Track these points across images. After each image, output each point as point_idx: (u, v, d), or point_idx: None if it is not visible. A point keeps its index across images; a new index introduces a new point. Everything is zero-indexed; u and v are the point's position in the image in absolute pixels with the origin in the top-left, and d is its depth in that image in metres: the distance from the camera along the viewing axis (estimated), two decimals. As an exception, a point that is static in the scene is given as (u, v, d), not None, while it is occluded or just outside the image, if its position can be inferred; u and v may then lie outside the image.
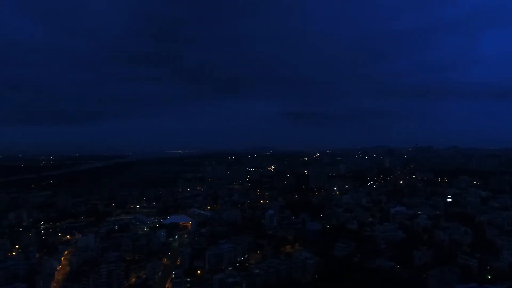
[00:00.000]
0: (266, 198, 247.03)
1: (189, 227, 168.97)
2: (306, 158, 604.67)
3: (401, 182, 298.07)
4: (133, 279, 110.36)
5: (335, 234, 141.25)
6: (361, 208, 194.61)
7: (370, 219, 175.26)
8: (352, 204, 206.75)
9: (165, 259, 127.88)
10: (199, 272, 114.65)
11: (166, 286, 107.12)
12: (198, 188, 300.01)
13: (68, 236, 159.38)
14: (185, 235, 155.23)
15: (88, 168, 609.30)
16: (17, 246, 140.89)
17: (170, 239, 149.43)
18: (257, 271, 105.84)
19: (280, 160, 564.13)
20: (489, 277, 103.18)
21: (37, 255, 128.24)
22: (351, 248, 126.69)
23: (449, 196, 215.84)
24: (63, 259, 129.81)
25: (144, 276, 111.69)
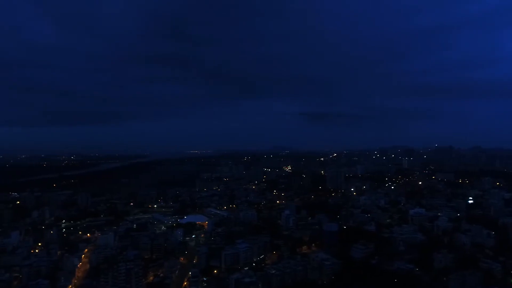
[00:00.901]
0: (282, 198, 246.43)
1: (206, 226, 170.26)
2: (322, 159, 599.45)
3: (420, 183, 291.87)
4: (151, 278, 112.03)
5: (353, 235, 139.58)
6: (379, 209, 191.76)
7: (388, 221, 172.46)
8: (369, 205, 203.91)
9: (182, 258, 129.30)
10: (215, 271, 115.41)
11: (183, 285, 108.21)
12: (214, 188, 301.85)
13: (88, 234, 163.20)
14: (202, 235, 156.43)
15: (107, 168, 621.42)
16: (40, 244, 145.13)
17: (187, 238, 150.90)
18: (274, 272, 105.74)
19: (296, 160, 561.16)
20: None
21: (59, 252, 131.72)
22: (369, 250, 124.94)
23: (471, 198, 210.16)
24: (84, 256, 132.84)
25: (161, 275, 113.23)
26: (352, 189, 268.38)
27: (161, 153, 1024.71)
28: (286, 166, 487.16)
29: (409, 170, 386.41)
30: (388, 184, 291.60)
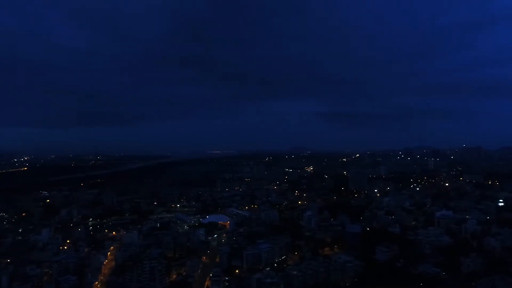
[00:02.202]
0: (304, 199, 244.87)
1: (228, 226, 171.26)
2: (345, 159, 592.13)
3: (447, 184, 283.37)
4: (174, 276, 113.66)
5: (376, 237, 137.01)
6: (404, 211, 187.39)
7: (413, 223, 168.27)
8: (393, 206, 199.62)
9: (204, 258, 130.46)
10: (237, 271, 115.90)
11: (206, 284, 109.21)
12: (236, 188, 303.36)
13: (113, 232, 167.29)
14: (224, 234, 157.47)
15: (132, 167, 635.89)
16: (68, 241, 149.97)
17: (209, 238, 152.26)
18: (295, 272, 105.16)
19: (318, 161, 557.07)
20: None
21: (86, 249, 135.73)
22: (393, 252, 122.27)
23: (501, 200, 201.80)
24: (109, 254, 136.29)
25: (184, 273, 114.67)
26: (376, 190, 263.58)
27: (183, 154, 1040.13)
28: (308, 167, 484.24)
29: (435, 171, 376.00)
30: (413, 186, 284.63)
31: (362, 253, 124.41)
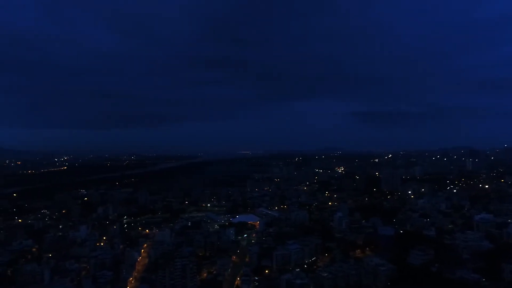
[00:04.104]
0: (334, 200, 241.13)
1: (257, 226, 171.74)
2: (377, 160, 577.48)
3: (487, 186, 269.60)
4: (205, 274, 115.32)
5: (410, 240, 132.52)
6: (440, 214, 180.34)
7: (450, 226, 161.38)
8: (429, 209, 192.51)
9: (234, 257, 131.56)
10: (266, 271, 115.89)
11: (236, 283, 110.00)
12: (265, 188, 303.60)
13: (147, 230, 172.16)
14: (253, 234, 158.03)
15: (164, 167, 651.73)
16: (104, 237, 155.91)
17: (239, 237, 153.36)
18: (326, 274, 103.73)
19: (349, 161, 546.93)
20: None
21: (121, 246, 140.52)
22: (429, 256, 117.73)
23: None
24: (143, 251, 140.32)
25: (214, 272, 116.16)
26: (409, 192, 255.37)
27: (213, 154, 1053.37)
28: (338, 167, 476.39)
29: (474, 172, 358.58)
30: (450, 187, 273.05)
31: (395, 256, 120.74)
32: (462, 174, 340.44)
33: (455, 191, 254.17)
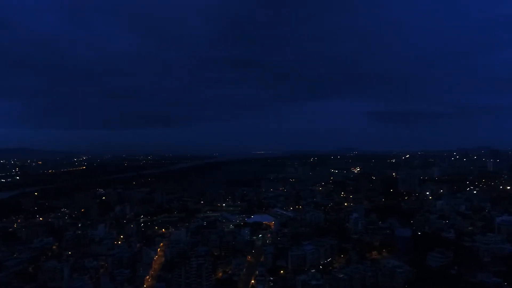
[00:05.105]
0: (350, 201, 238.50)
1: (272, 226, 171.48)
2: (394, 160, 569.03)
3: (508, 187, 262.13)
4: (220, 274, 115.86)
5: (428, 242, 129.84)
6: (459, 215, 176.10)
7: (470, 228, 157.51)
8: (447, 210, 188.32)
9: (249, 257, 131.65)
10: (282, 271, 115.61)
11: (251, 283, 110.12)
12: (280, 189, 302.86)
13: (163, 230, 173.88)
14: (268, 234, 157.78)
15: (180, 167, 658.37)
16: (121, 236, 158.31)
17: (254, 237, 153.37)
18: (341, 276, 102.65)
19: (365, 162, 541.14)
20: None
21: (138, 245, 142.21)
22: (448, 259, 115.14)
23: None
24: (159, 250, 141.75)
25: (230, 272, 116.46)
26: (427, 193, 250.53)
27: (229, 154, 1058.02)
28: (354, 168, 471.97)
29: (495, 173, 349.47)
30: (470, 188, 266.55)
31: (413, 258, 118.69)
32: (483, 175, 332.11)
33: (475, 192, 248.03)
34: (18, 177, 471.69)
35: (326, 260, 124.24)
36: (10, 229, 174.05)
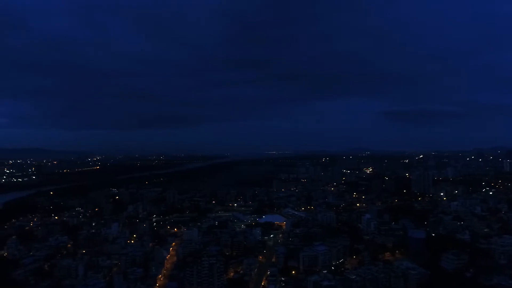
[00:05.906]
0: (362, 201, 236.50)
1: (284, 227, 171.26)
2: (407, 160, 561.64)
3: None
4: (231, 273, 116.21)
5: (443, 244, 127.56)
6: (475, 217, 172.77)
7: (485, 230, 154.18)
8: (462, 212, 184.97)
9: (260, 257, 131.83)
10: (293, 272, 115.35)
11: (262, 283, 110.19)
12: (292, 189, 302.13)
13: (175, 229, 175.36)
14: (280, 235, 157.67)
15: (192, 167, 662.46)
16: (134, 235, 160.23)
17: (265, 237, 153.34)
18: (354, 277, 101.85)
19: (377, 162, 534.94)
20: None
21: (151, 244, 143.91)
22: (463, 261, 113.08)
23: None
24: (171, 249, 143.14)
25: (241, 272, 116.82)
26: (442, 194, 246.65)
27: (240, 154, 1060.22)
28: (367, 168, 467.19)
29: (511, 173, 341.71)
30: (486, 189, 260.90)
31: (427, 260, 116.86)
32: (499, 176, 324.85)
33: (491, 193, 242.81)
34: (34, 177, 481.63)
35: (338, 261, 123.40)
36: (27, 228, 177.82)
